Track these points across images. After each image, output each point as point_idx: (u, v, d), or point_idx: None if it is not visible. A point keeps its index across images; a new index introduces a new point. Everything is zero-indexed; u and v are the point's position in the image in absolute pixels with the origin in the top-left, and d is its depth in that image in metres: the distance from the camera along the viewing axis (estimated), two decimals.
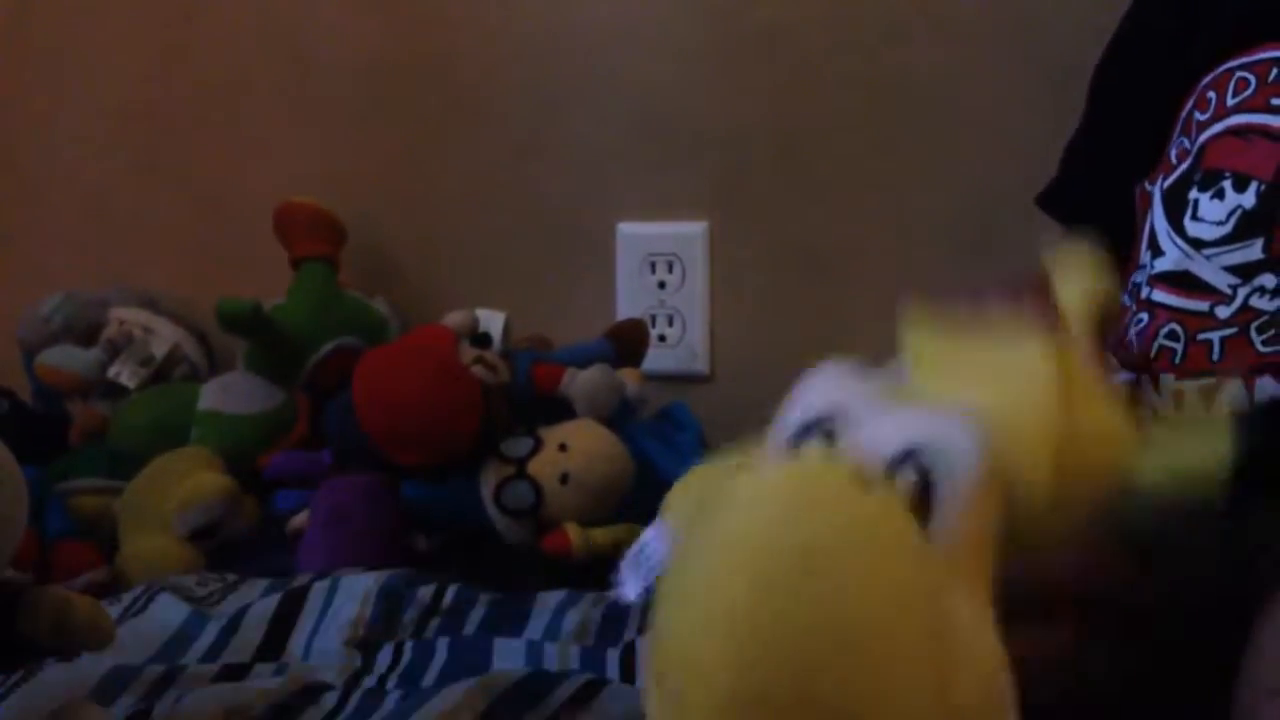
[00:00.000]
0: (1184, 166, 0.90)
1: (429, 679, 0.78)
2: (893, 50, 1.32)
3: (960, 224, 1.31)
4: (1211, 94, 0.90)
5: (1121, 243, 0.96)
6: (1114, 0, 1.04)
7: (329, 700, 0.74)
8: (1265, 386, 0.84)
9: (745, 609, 0.30)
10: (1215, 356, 0.85)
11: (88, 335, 1.39)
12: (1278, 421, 0.81)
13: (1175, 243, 0.88)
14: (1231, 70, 0.89)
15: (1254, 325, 0.84)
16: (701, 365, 1.40)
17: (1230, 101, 0.88)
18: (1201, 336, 0.85)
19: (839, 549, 0.31)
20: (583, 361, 1.16)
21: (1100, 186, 1.01)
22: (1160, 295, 0.88)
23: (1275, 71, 0.86)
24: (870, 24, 1.32)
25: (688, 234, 1.39)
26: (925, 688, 0.30)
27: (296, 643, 0.84)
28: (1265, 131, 0.85)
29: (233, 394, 1.26)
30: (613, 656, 0.81)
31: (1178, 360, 0.87)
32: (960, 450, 0.36)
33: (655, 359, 1.32)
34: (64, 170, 1.62)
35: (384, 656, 0.81)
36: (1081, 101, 1.07)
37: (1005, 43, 1.27)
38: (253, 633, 0.85)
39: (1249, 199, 0.84)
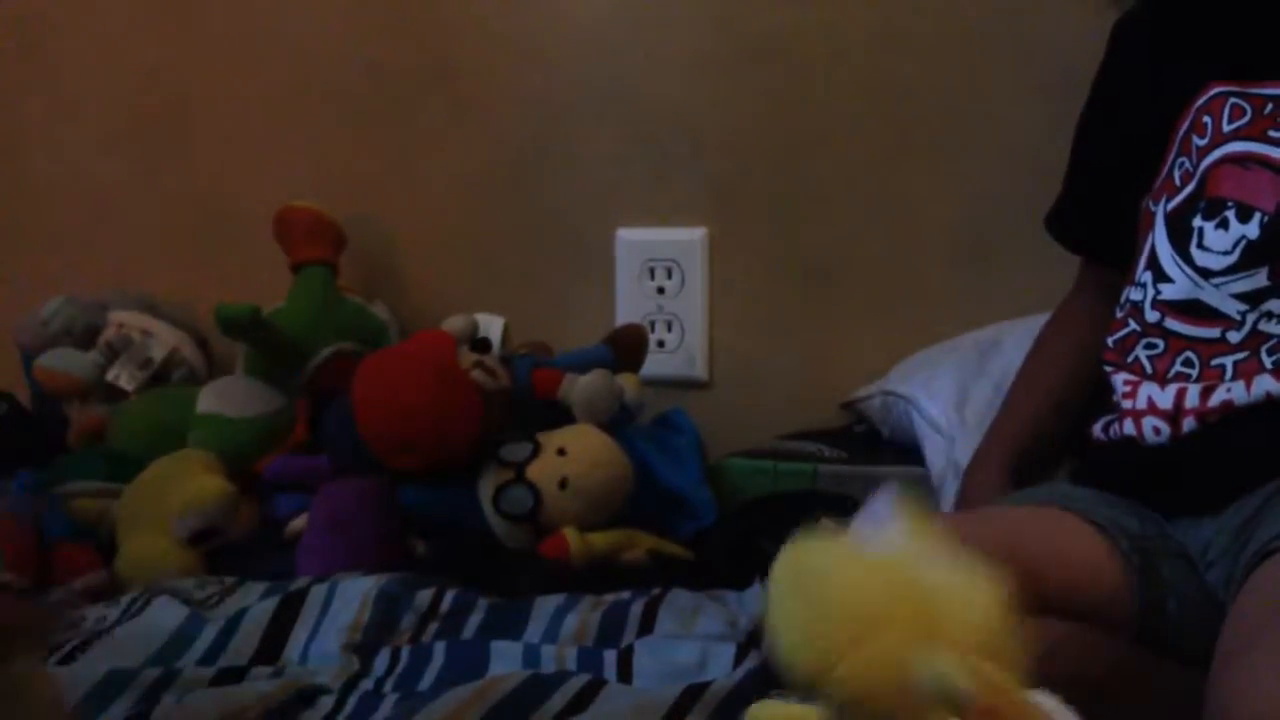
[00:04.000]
0: (1188, 190, 0.92)
1: (425, 683, 0.78)
2: (891, 58, 1.32)
3: (958, 230, 1.31)
4: (1207, 118, 0.92)
5: (1125, 263, 0.98)
6: (1118, 12, 1.05)
7: (325, 703, 0.74)
8: (1262, 383, 0.85)
9: None
10: (1228, 378, 0.87)
11: (86, 338, 1.39)
12: None
13: (1183, 270, 0.90)
14: (1225, 95, 0.90)
15: (1264, 348, 0.86)
16: (700, 371, 1.40)
17: (1226, 128, 0.90)
18: (1215, 362, 0.88)
19: None
20: (582, 367, 1.16)
21: (1100, 208, 1.03)
22: (1174, 324, 0.91)
23: (1270, 106, 0.89)
24: (869, 33, 1.33)
25: (687, 240, 1.39)
26: None
27: (294, 646, 0.84)
28: (1265, 162, 0.88)
29: (232, 397, 1.26)
30: (610, 657, 0.81)
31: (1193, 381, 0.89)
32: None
33: (654, 364, 1.32)
34: (64, 174, 1.62)
35: (381, 660, 0.81)
36: (1076, 110, 1.07)
37: (1003, 52, 1.28)
38: (251, 635, 0.85)
39: (1253, 230, 0.87)
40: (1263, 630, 0.69)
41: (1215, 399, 0.86)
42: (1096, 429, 0.95)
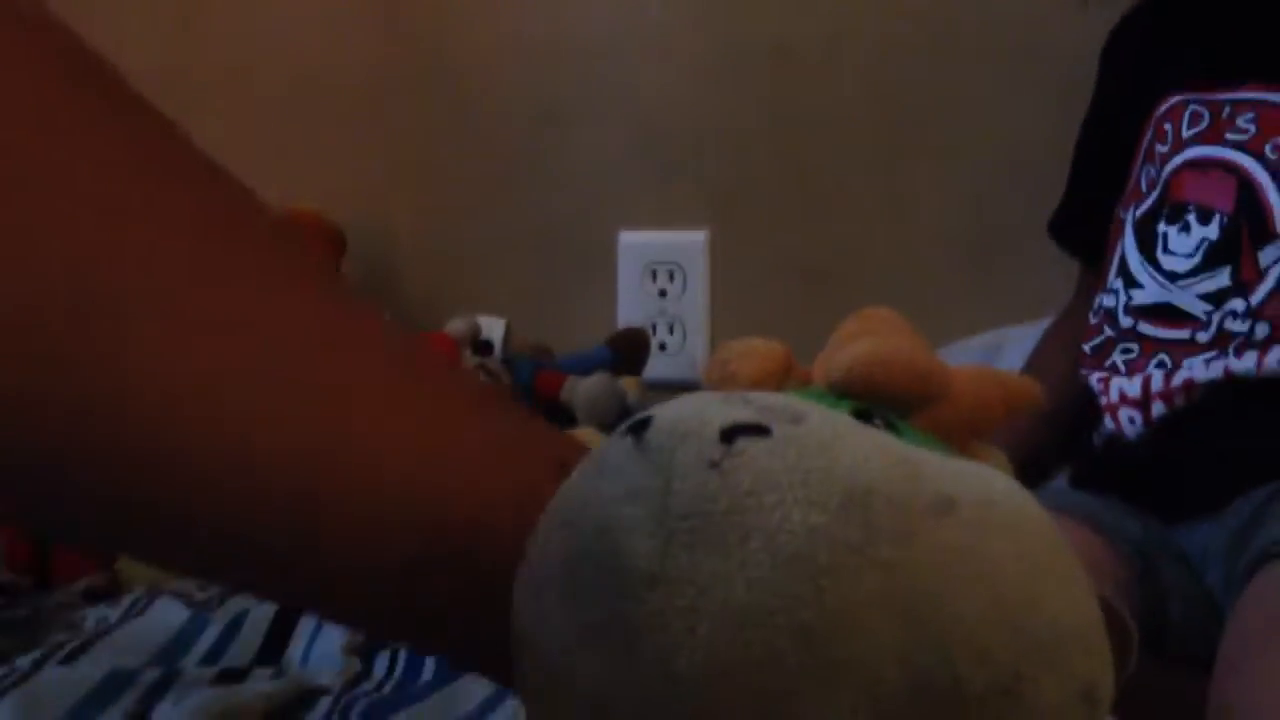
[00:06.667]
0: (1153, 198, 0.94)
1: (421, 687, 0.78)
2: (894, 62, 1.32)
3: (960, 234, 1.31)
4: (1168, 125, 0.94)
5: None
6: (1112, 15, 1.05)
7: (324, 705, 0.74)
8: (1220, 363, 0.87)
9: None
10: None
11: None
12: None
13: (1152, 276, 0.91)
14: (1185, 102, 0.92)
15: (1231, 346, 0.88)
16: (702, 374, 1.40)
17: (1186, 133, 0.92)
18: (1187, 362, 0.88)
19: None
20: (584, 369, 1.16)
21: (1096, 219, 1.04)
22: (1146, 328, 0.93)
23: (1228, 110, 0.91)
24: (872, 36, 1.33)
25: (689, 243, 1.39)
26: None
27: (296, 647, 0.84)
28: (1223, 164, 0.90)
29: None
30: None
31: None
32: None
33: (656, 367, 1.32)
34: None
35: (381, 663, 0.81)
36: (1078, 113, 1.08)
37: (1005, 55, 1.28)
38: (252, 636, 0.85)
39: (1213, 231, 0.89)
40: (1264, 638, 0.69)
41: (1177, 379, 0.88)
42: (1093, 437, 0.96)
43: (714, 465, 0.29)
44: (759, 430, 0.30)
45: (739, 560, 0.28)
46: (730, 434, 0.30)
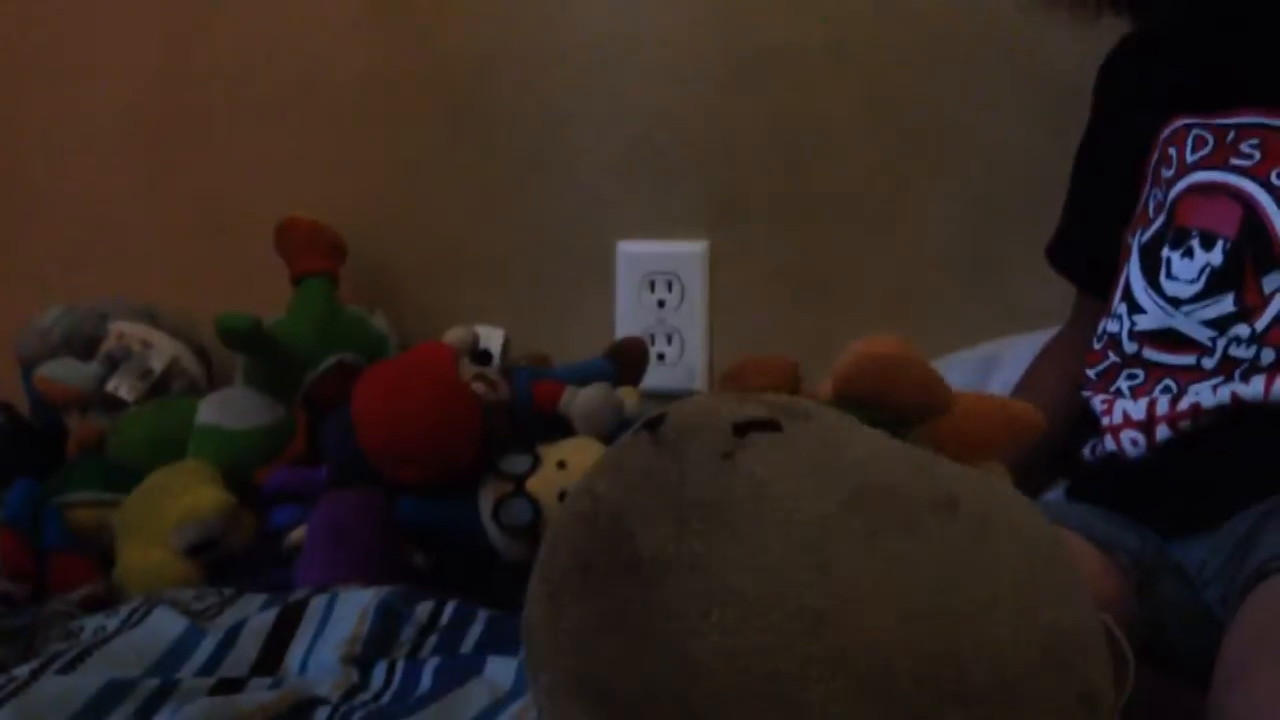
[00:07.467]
0: (1159, 222, 0.94)
1: (419, 697, 0.78)
2: (893, 73, 1.33)
3: (958, 245, 1.31)
4: (1173, 150, 0.94)
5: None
6: (1112, 25, 1.05)
7: (322, 715, 0.74)
8: (1228, 388, 0.87)
9: None
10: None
11: (86, 348, 1.39)
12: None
13: (1155, 301, 0.92)
14: (1189, 126, 0.92)
15: (1236, 372, 0.88)
16: (700, 384, 1.41)
17: (1190, 158, 0.92)
18: (1193, 388, 0.88)
19: None
20: (582, 379, 1.16)
21: (1094, 244, 1.04)
22: (1151, 354, 0.92)
23: (1233, 134, 0.91)
24: (870, 47, 1.33)
25: (687, 253, 1.39)
26: None
27: (293, 657, 0.84)
28: (1227, 189, 0.90)
29: (231, 408, 1.26)
30: None
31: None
32: None
33: (654, 377, 1.32)
34: (64, 183, 1.62)
35: (378, 673, 0.81)
36: (1077, 124, 1.08)
37: (1004, 67, 1.28)
38: (250, 646, 0.85)
39: (1216, 257, 0.89)
40: (1261, 652, 0.69)
41: (1184, 403, 0.88)
42: (1085, 451, 0.96)
43: (727, 456, 0.30)
44: (770, 425, 0.30)
45: (750, 547, 0.29)
46: (743, 428, 0.30)
